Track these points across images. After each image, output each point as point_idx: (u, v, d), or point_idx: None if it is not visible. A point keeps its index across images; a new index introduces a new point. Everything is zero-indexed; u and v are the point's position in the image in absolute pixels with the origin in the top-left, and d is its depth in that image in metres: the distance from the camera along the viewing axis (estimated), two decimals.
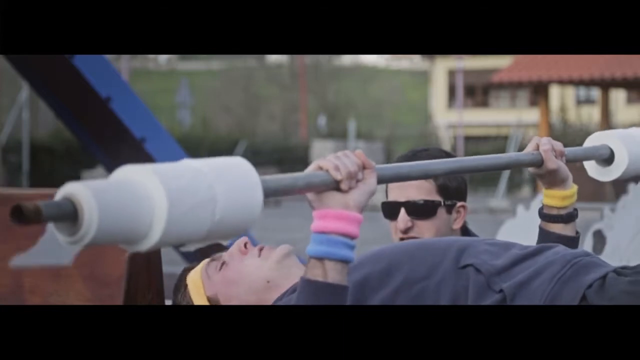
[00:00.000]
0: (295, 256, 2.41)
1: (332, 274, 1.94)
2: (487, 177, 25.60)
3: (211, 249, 2.46)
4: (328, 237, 1.94)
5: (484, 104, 41.84)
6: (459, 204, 2.84)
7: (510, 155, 2.48)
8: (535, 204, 6.17)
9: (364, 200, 1.97)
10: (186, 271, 2.43)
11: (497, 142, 29.91)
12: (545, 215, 2.53)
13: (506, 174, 23.66)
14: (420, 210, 2.78)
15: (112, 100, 6.94)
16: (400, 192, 2.81)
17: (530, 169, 2.50)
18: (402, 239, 2.80)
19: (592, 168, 2.66)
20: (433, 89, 42.50)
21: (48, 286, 2.32)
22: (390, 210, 2.82)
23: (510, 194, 25.98)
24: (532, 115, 29.74)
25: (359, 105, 47.50)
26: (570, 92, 37.55)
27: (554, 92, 32.20)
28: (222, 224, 1.69)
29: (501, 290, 2.10)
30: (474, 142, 32.22)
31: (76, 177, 24.97)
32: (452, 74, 38.20)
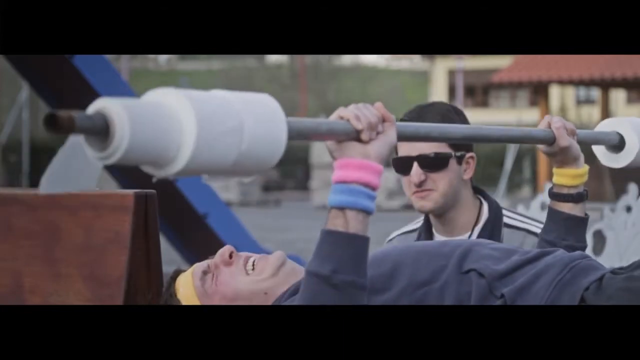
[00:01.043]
0: (290, 261, 2.39)
1: (354, 224, 1.92)
2: (487, 177, 25.60)
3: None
4: (349, 187, 1.92)
5: (484, 104, 41.84)
6: (468, 154, 2.89)
7: (524, 129, 2.49)
8: (535, 204, 6.18)
9: (385, 151, 1.96)
10: (172, 282, 2.35)
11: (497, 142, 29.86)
12: (555, 195, 2.53)
13: (506, 174, 23.66)
14: (433, 163, 2.82)
15: None
16: (411, 147, 2.84)
17: (543, 149, 2.50)
18: (415, 193, 2.83)
19: (601, 154, 2.66)
20: (433, 89, 42.50)
21: (48, 286, 2.32)
22: (403, 165, 2.85)
23: (510, 194, 25.98)
24: (532, 115, 29.75)
25: None
26: (570, 92, 37.56)
27: (554, 92, 32.20)
28: (249, 154, 1.69)
29: (502, 295, 2.10)
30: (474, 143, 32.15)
31: None
32: (452, 74, 38.20)
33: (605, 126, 2.65)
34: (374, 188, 1.94)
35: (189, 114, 1.61)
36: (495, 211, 2.91)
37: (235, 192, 24.65)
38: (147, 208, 2.29)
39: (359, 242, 1.94)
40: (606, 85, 22.53)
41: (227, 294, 2.28)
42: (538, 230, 2.83)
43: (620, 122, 2.62)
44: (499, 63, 31.78)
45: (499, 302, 2.10)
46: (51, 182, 1.68)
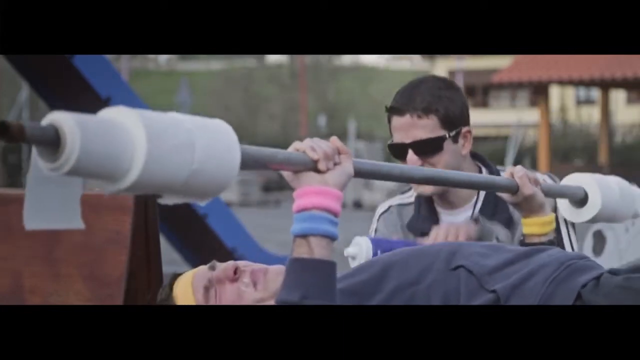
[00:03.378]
0: None
1: (318, 250, 1.93)
2: None
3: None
4: (309, 214, 1.94)
5: (484, 104, 41.84)
6: (464, 129, 2.84)
7: (487, 177, 2.53)
8: None
9: (343, 180, 1.97)
10: (169, 291, 2.28)
11: (497, 143, 29.91)
12: (526, 245, 2.56)
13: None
14: (428, 149, 2.79)
15: (112, 100, 6.95)
16: (405, 133, 2.81)
17: (508, 199, 2.54)
18: None
19: (564, 207, 2.71)
20: None
21: (48, 286, 2.32)
22: (398, 151, 2.83)
23: None
24: (532, 115, 29.77)
25: (359, 105, 47.50)
26: (570, 93, 37.55)
27: (554, 92, 32.20)
28: (200, 175, 1.71)
29: (494, 291, 2.10)
30: (474, 143, 32.15)
31: None
32: (452, 74, 38.18)
33: (572, 180, 2.71)
34: (335, 213, 1.95)
35: (140, 129, 1.63)
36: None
37: (235, 193, 24.66)
38: (147, 208, 2.29)
39: (325, 267, 1.95)
40: (606, 85, 22.53)
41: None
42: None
43: (586, 179, 2.67)
44: (499, 63, 31.78)
45: (490, 296, 2.10)
46: (34, 219, 1.69)
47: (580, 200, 2.67)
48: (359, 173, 2.05)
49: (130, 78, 36.90)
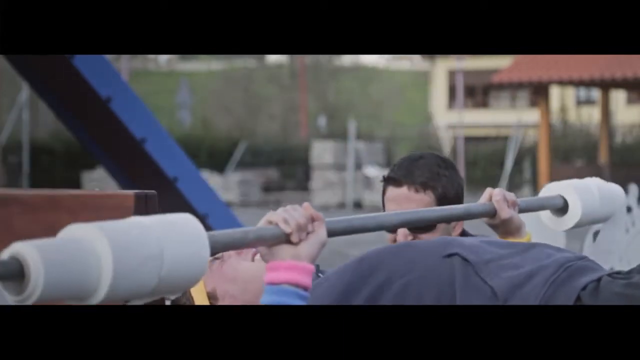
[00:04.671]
0: None
1: None
2: (487, 178, 25.59)
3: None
4: (279, 288, 1.98)
5: (484, 104, 41.83)
6: None
7: (464, 206, 2.53)
8: None
9: (315, 251, 2.00)
10: None
11: (497, 143, 29.91)
12: None
13: (506, 175, 23.67)
14: (420, 226, 2.73)
15: (112, 101, 6.94)
16: (399, 205, 2.78)
17: (485, 221, 2.55)
18: None
19: (547, 217, 2.71)
20: (433, 89, 42.49)
21: None
22: None
23: None
24: (532, 115, 29.76)
25: (359, 105, 47.49)
26: (571, 93, 37.54)
27: (554, 92, 32.20)
28: (169, 279, 1.72)
29: (491, 287, 2.11)
30: (474, 143, 32.21)
31: (76, 177, 24.98)
32: (452, 74, 38.18)
33: (550, 190, 2.70)
34: (305, 288, 1.98)
35: (105, 248, 1.63)
36: None
37: (235, 193, 24.66)
38: (148, 208, 2.28)
39: None
40: (606, 85, 22.53)
41: (228, 274, 2.35)
42: None
43: (564, 186, 2.67)
44: (499, 63, 31.79)
45: (487, 290, 2.11)
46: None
47: (560, 209, 2.68)
48: (333, 233, 2.07)
49: (130, 78, 36.91)
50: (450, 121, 37.20)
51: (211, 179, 23.32)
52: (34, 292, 1.58)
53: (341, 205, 23.62)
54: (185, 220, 1.77)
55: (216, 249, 1.84)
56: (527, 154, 26.23)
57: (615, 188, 2.76)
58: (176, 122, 37.95)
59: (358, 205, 23.97)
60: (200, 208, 7.13)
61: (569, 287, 2.09)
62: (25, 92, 23.96)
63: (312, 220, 2.01)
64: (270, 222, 1.99)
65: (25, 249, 1.56)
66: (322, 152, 25.13)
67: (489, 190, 2.55)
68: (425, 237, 2.75)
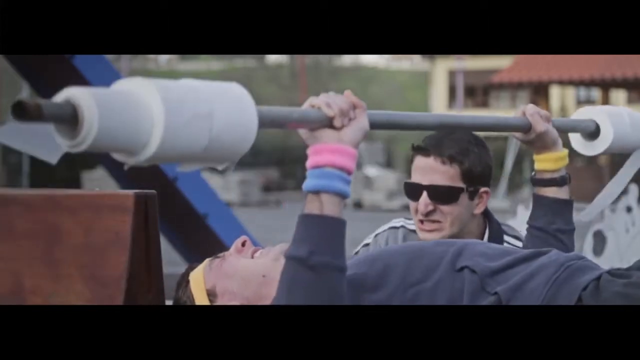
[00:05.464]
0: None
1: (329, 207, 1.95)
2: None
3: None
4: (323, 171, 1.96)
5: (484, 104, 41.83)
6: (482, 189, 2.84)
7: (500, 117, 2.52)
8: None
9: (358, 136, 1.98)
10: (189, 269, 2.43)
11: (498, 143, 29.92)
12: (538, 181, 2.56)
13: (506, 174, 23.66)
14: (443, 196, 2.78)
15: None
16: (423, 175, 2.80)
17: (521, 137, 2.52)
18: (421, 221, 2.81)
19: (577, 141, 2.69)
20: (433, 89, 42.49)
21: (48, 287, 2.32)
22: (413, 191, 2.81)
23: (511, 194, 26.00)
24: None
25: None
26: (571, 93, 37.54)
27: (554, 92, 32.20)
28: (219, 140, 1.69)
29: (495, 293, 2.10)
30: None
31: (76, 177, 24.98)
32: (452, 74, 38.18)
33: (582, 114, 2.68)
34: (348, 172, 1.97)
35: (157, 100, 1.61)
36: (494, 238, 2.87)
37: (235, 193, 24.66)
38: (147, 208, 2.29)
39: (334, 224, 1.96)
40: (606, 85, 22.52)
41: (228, 271, 2.33)
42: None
43: (596, 111, 2.65)
44: (499, 63, 31.78)
45: (491, 299, 2.10)
46: (5, 134, 1.67)
47: (591, 133, 2.64)
48: (374, 125, 2.06)
49: None
50: None
51: (211, 179, 23.32)
52: (87, 138, 1.54)
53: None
54: (234, 87, 1.76)
55: (263, 121, 1.82)
56: (527, 154, 26.23)
57: None
58: None
59: (358, 205, 23.96)
60: (200, 208, 7.13)
61: (571, 286, 2.09)
62: (25, 92, 23.96)
63: (354, 107, 1.99)
64: (312, 106, 1.96)
65: (80, 94, 1.54)
66: None
67: (521, 107, 2.53)
68: (446, 209, 2.78)
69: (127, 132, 1.58)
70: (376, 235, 3.03)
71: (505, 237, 2.90)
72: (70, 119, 1.54)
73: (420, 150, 2.82)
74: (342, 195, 1.97)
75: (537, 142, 2.52)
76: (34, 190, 2.46)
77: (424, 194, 2.78)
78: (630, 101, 37.56)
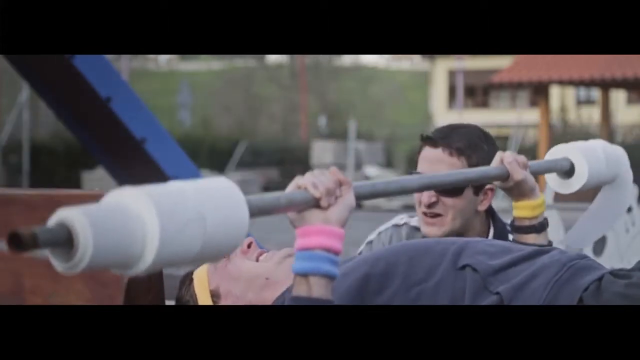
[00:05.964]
0: None
1: (317, 289, 1.96)
2: None
3: None
4: (311, 253, 1.96)
5: (484, 104, 41.82)
6: (488, 186, 2.83)
7: (478, 169, 2.53)
8: None
9: (345, 215, 2.00)
10: (189, 286, 2.44)
11: (498, 143, 29.85)
12: (517, 228, 2.57)
13: None
14: (447, 188, 2.75)
15: (112, 100, 6.94)
16: (430, 165, 2.79)
17: (499, 185, 2.54)
18: (424, 213, 2.81)
19: (553, 180, 2.71)
20: (433, 89, 42.47)
21: (48, 286, 2.32)
22: None
23: None
24: (532, 115, 29.75)
25: (359, 105, 47.47)
26: (571, 93, 37.53)
27: (554, 92, 32.18)
28: (213, 240, 1.72)
29: (497, 293, 2.10)
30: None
31: (76, 177, 24.96)
32: (452, 74, 38.18)
33: (556, 153, 2.70)
34: (336, 252, 1.98)
35: (150, 211, 1.62)
36: (500, 237, 2.86)
37: None
38: None
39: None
40: (606, 85, 22.51)
41: (232, 272, 2.35)
42: None
43: (570, 148, 2.67)
44: (499, 63, 31.78)
45: (493, 298, 2.10)
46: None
47: (567, 171, 2.67)
48: (360, 197, 2.08)
49: (130, 78, 36.90)
50: (450, 121, 37.17)
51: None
52: (82, 259, 1.55)
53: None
54: (223, 184, 1.77)
55: (252, 212, 1.83)
56: (527, 154, 26.13)
57: (619, 149, 2.75)
58: (176, 122, 37.92)
59: (358, 205, 23.92)
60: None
61: (572, 288, 2.08)
62: (25, 92, 23.95)
63: (340, 184, 2.00)
64: (299, 187, 1.97)
65: (73, 216, 1.55)
66: (322, 152, 25.12)
67: (499, 153, 2.55)
68: (450, 202, 2.77)
69: (122, 248, 1.60)
70: (379, 233, 3.03)
71: (511, 237, 2.89)
72: (65, 242, 1.56)
73: (429, 140, 2.82)
74: (331, 277, 1.98)
75: (514, 190, 2.55)
76: (34, 190, 2.46)
77: None
78: (630, 101, 37.56)
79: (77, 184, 24.01)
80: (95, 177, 23.35)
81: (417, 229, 2.94)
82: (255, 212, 1.85)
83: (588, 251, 6.21)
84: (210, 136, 31.78)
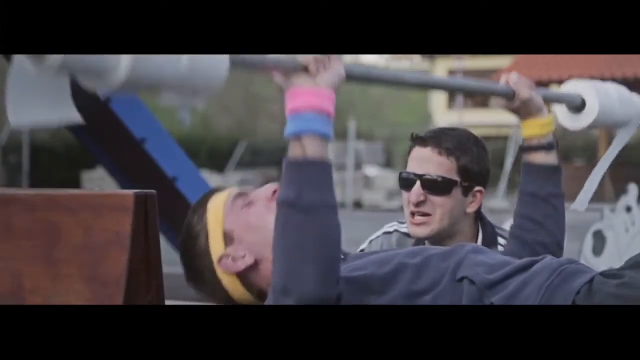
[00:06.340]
0: None
1: (312, 150, 1.97)
2: None
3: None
4: (301, 115, 1.97)
5: (484, 104, 41.80)
6: (477, 188, 2.82)
7: (484, 83, 2.54)
8: None
9: (335, 80, 2.01)
10: (209, 195, 2.34)
11: (498, 143, 29.91)
12: (526, 148, 2.57)
13: (506, 175, 23.64)
14: (436, 186, 2.77)
15: (112, 101, 6.94)
16: (419, 165, 2.80)
17: (506, 106, 2.54)
18: (412, 213, 2.80)
19: (563, 114, 2.69)
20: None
21: (48, 287, 2.32)
22: (406, 181, 2.81)
23: (511, 194, 25.98)
24: None
25: (359, 105, 47.49)
26: None
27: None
28: (192, 70, 1.74)
29: (491, 304, 2.10)
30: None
31: (76, 177, 24.98)
32: (452, 74, 38.17)
33: (568, 88, 2.68)
34: (327, 113, 1.97)
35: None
36: (489, 241, 2.85)
37: None
38: (147, 208, 2.29)
39: (319, 166, 1.98)
40: None
41: (252, 222, 2.25)
42: None
43: (583, 84, 2.65)
44: (499, 63, 31.80)
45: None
46: (19, 114, 1.64)
47: (577, 107, 2.65)
48: (351, 76, 2.07)
49: None
50: (450, 121, 37.20)
51: (211, 179, 23.30)
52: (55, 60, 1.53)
53: (341, 205, 23.61)
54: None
55: (235, 60, 1.84)
56: None
57: (635, 96, 2.73)
58: (176, 121, 37.90)
59: (358, 205, 23.96)
60: None
61: (564, 292, 2.08)
62: None
63: (329, 58, 2.00)
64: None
65: None
66: None
67: (504, 76, 2.55)
68: (438, 201, 2.76)
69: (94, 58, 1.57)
70: (371, 242, 3.04)
71: (501, 240, 2.88)
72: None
73: (419, 140, 2.83)
74: (324, 136, 1.98)
75: (522, 110, 2.54)
76: (34, 190, 2.47)
77: (418, 183, 2.78)
78: None
79: (77, 184, 24.02)
80: (95, 177, 23.36)
81: (407, 235, 2.94)
82: (238, 61, 1.84)
83: (588, 251, 6.21)
84: (210, 136, 31.79)
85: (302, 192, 1.96)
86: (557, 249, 2.52)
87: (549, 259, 2.20)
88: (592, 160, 26.03)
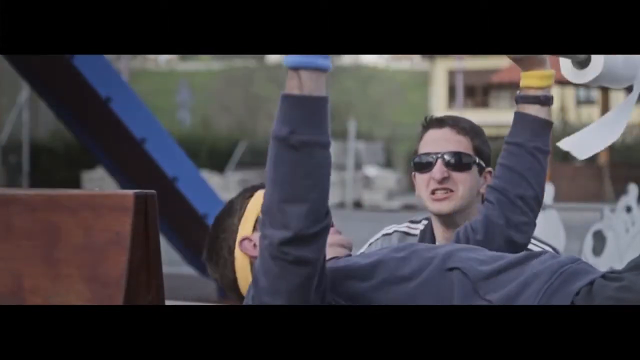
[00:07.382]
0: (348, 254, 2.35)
1: (308, 84, 1.97)
2: None
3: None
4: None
5: (484, 104, 41.82)
6: (488, 168, 2.91)
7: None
8: None
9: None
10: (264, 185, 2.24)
11: (498, 143, 29.88)
12: (522, 97, 2.59)
13: None
14: (458, 162, 2.84)
15: (112, 100, 6.95)
16: (437, 145, 2.85)
17: (508, 55, 2.56)
18: (433, 191, 2.82)
19: (567, 67, 2.70)
20: (433, 89, 42.48)
21: (48, 287, 2.32)
22: (424, 164, 2.85)
23: None
24: None
25: (359, 105, 47.49)
26: (571, 93, 37.51)
27: (554, 92, 32.11)
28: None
29: (489, 301, 2.09)
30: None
31: (76, 177, 24.97)
32: (452, 74, 38.18)
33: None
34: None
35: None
36: None
37: (235, 192, 24.62)
38: (147, 208, 2.29)
39: (314, 102, 1.98)
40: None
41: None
42: (535, 248, 2.83)
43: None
44: (499, 63, 31.77)
45: (484, 303, 2.10)
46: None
47: (582, 61, 2.67)
48: None
49: (130, 78, 36.88)
50: None
51: (211, 179, 23.30)
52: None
53: (341, 205, 23.61)
54: None
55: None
56: None
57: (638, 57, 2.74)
58: (176, 122, 37.93)
59: (358, 205, 23.96)
60: (200, 208, 7.13)
61: (563, 294, 2.07)
62: (25, 92, 23.95)
63: None
64: None
65: None
66: None
67: None
68: (460, 177, 2.82)
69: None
70: (370, 244, 3.06)
71: None
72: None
73: (435, 122, 2.89)
74: (322, 70, 1.98)
75: (524, 60, 2.56)
76: (34, 190, 2.47)
77: (439, 161, 2.83)
78: None
79: (77, 184, 24.02)
80: (95, 177, 23.37)
81: (406, 233, 2.98)
82: None
83: (588, 251, 6.21)
84: (210, 136, 31.78)
85: (295, 129, 1.97)
86: (535, 204, 2.52)
87: (548, 255, 2.19)
88: (592, 160, 26.03)
